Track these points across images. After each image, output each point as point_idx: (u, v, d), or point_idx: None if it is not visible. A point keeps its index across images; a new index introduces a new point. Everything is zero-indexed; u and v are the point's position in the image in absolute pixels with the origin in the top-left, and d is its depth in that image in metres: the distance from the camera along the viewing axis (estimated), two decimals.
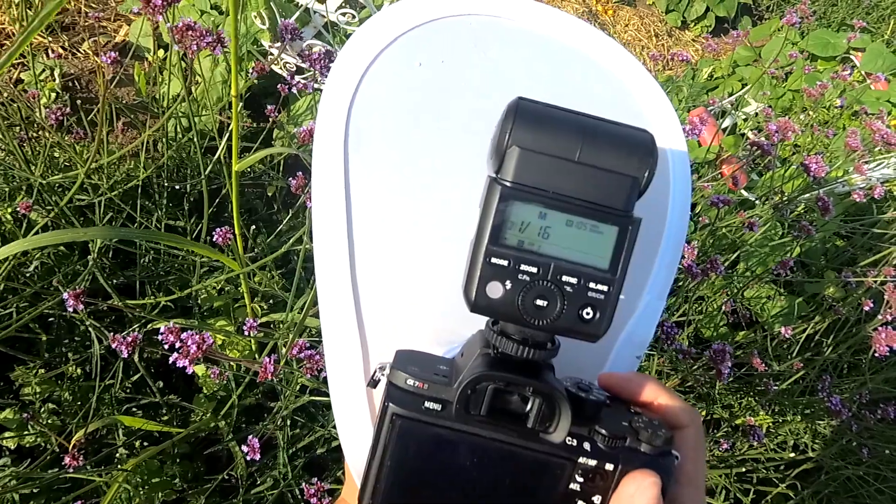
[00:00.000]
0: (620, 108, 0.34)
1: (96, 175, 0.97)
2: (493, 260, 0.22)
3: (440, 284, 0.32)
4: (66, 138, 0.96)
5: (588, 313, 0.22)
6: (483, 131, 0.30)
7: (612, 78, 0.34)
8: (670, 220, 0.35)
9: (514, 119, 0.23)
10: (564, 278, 0.22)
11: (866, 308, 0.91)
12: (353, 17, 1.15)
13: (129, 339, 0.63)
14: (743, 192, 1.38)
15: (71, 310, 0.60)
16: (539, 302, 0.22)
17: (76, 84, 1.45)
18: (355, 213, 0.31)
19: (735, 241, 1.20)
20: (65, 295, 0.60)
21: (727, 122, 1.59)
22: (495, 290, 0.22)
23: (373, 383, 0.28)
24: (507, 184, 0.23)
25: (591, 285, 0.22)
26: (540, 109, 0.23)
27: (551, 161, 0.23)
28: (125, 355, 0.62)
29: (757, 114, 1.65)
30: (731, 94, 1.72)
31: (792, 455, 1.06)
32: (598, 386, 0.28)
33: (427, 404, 0.23)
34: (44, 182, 0.84)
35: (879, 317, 0.82)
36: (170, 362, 0.54)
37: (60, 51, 1.47)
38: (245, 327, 0.66)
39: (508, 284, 0.22)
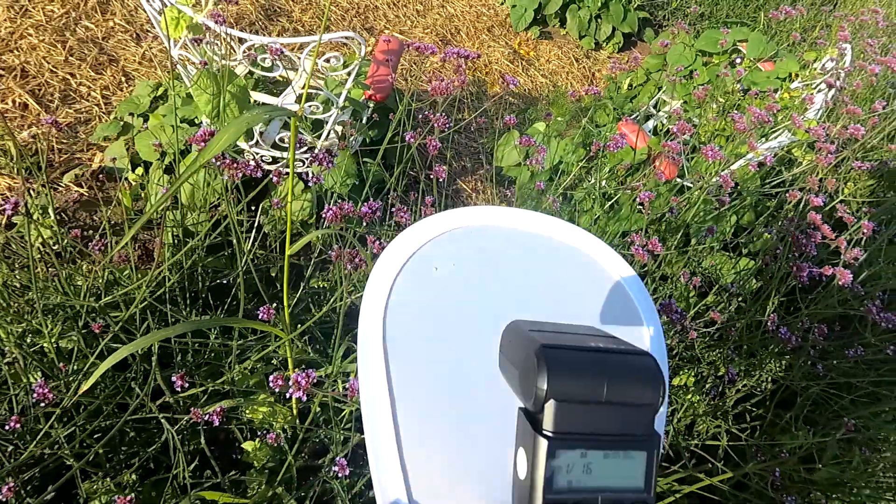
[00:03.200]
0: (587, 271, 0.46)
1: (117, 290, 1.18)
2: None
3: (476, 462, 0.38)
4: (84, 265, 1.17)
5: None
6: (490, 321, 0.39)
7: (585, 257, 0.46)
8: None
9: (548, 373, 0.27)
10: None
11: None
12: (318, 107, 1.43)
13: (217, 409, 0.84)
14: (678, 179, 1.70)
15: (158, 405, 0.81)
16: None
17: (63, 216, 1.66)
18: (398, 405, 0.38)
19: (680, 223, 1.50)
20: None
21: (651, 124, 1.93)
22: None
23: None
24: (551, 435, 0.27)
25: None
26: (566, 357, 0.28)
27: (584, 407, 0.27)
28: (216, 423, 0.83)
29: (677, 110, 2.00)
30: (650, 99, 2.07)
31: (771, 386, 1.33)
32: None
33: None
34: (97, 305, 1.05)
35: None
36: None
37: (40, 188, 1.68)
38: (289, 392, 0.83)
39: None
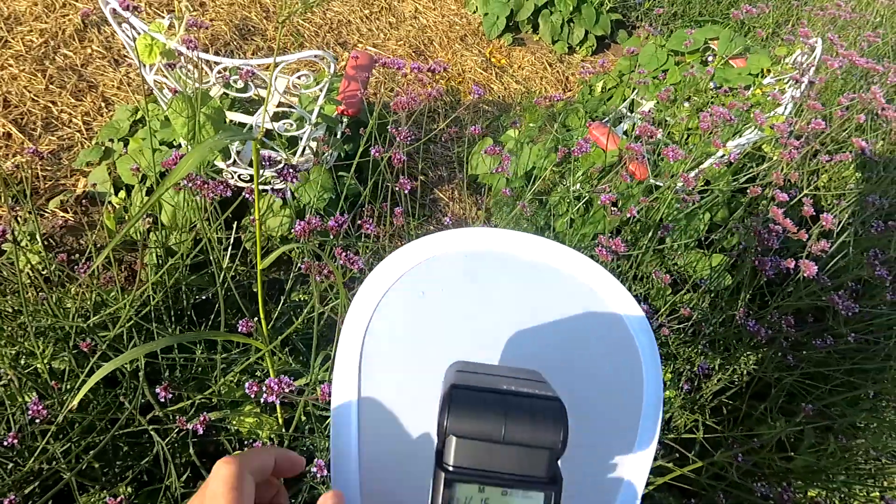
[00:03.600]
0: (586, 301, 0.44)
1: (104, 311, 1.23)
2: None
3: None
4: (73, 288, 1.21)
5: None
6: (466, 350, 0.41)
7: (574, 280, 0.44)
8: (642, 430, 0.42)
9: (449, 411, 0.29)
10: None
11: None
12: (291, 125, 1.47)
13: (201, 419, 0.88)
14: (651, 180, 1.75)
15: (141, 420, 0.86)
16: None
17: (50, 241, 1.71)
18: (363, 424, 0.41)
19: (651, 223, 1.54)
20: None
21: (625, 125, 1.98)
22: None
23: None
24: (450, 468, 0.29)
25: None
26: (470, 397, 0.30)
27: (482, 445, 0.29)
28: (201, 432, 0.88)
29: (650, 111, 2.05)
30: (623, 101, 2.12)
31: (746, 379, 1.37)
32: None
33: None
34: (85, 326, 1.10)
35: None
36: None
37: (27, 215, 1.73)
38: (263, 397, 0.88)
39: None
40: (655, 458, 1.20)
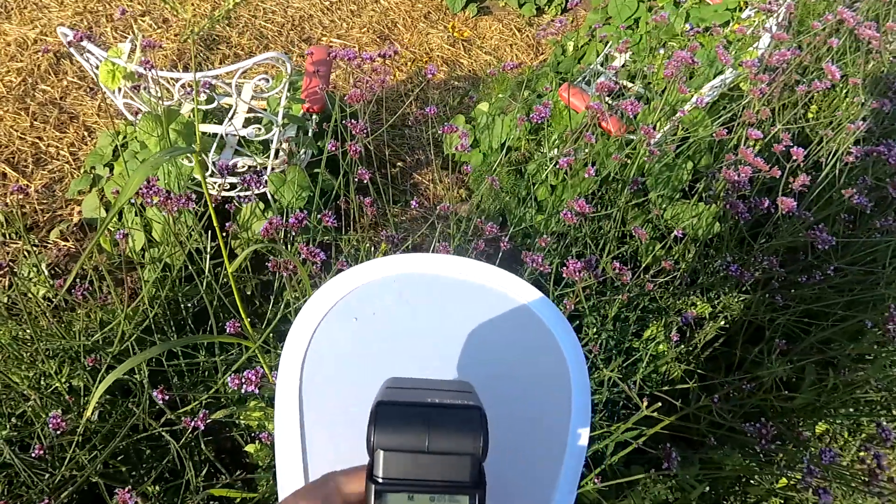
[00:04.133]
0: (509, 312, 0.47)
1: (102, 329, 1.29)
2: None
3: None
4: (80, 311, 1.28)
5: None
6: (403, 371, 0.41)
7: (497, 293, 0.47)
8: (573, 424, 0.44)
9: (375, 426, 0.32)
10: None
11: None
12: (259, 129, 1.51)
13: (201, 415, 0.94)
14: (628, 135, 1.74)
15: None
16: None
17: (56, 270, 1.79)
18: (310, 454, 0.42)
19: (626, 179, 1.54)
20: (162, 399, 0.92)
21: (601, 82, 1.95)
22: None
23: None
24: (379, 480, 0.31)
25: None
26: (394, 412, 0.32)
27: (408, 455, 0.32)
28: (202, 428, 0.94)
29: (625, 64, 2.03)
30: (598, 56, 2.10)
31: (738, 324, 1.38)
32: None
33: None
34: (90, 344, 1.16)
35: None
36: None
37: (30, 248, 1.81)
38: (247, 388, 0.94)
39: None
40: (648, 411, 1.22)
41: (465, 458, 0.32)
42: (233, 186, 1.68)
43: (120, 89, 1.38)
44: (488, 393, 0.38)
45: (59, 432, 0.96)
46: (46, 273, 1.71)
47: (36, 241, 1.78)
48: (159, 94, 1.50)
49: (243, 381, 0.90)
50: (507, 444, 0.41)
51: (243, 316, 1.00)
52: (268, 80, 1.39)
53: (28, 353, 1.27)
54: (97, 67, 1.42)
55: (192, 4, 2.31)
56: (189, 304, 1.46)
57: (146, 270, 1.63)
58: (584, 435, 0.43)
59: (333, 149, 1.14)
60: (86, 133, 1.94)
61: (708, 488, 1.34)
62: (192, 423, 1.02)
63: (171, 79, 1.32)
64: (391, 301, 0.47)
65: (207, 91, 1.39)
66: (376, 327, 0.46)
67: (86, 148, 1.92)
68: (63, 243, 1.81)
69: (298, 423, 0.43)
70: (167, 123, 1.38)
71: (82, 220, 1.90)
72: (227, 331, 1.04)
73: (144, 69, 1.22)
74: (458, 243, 1.39)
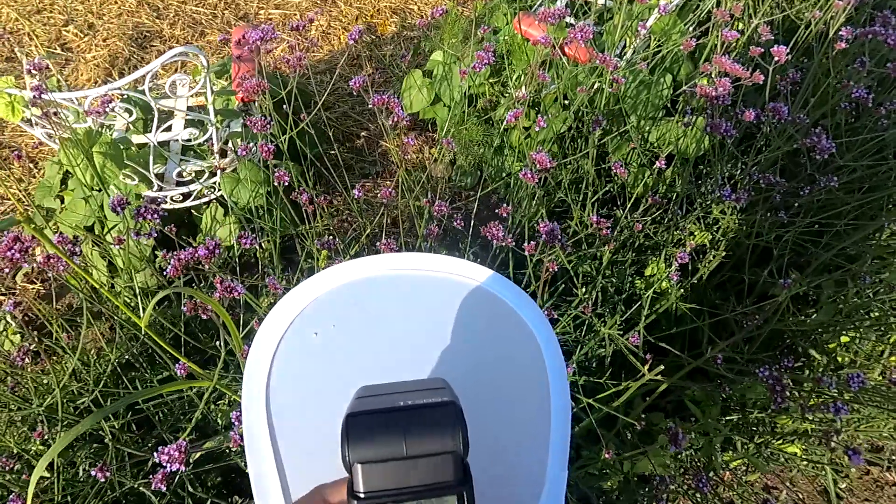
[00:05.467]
0: (475, 300, 0.45)
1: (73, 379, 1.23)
2: None
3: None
4: (38, 365, 1.22)
5: None
6: (373, 371, 0.41)
7: (460, 283, 0.46)
8: (554, 396, 0.42)
9: (348, 440, 0.30)
10: None
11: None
12: (194, 133, 1.39)
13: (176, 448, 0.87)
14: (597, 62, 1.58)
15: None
16: None
17: (28, 316, 1.73)
18: (289, 478, 0.41)
19: (613, 101, 1.40)
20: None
21: (560, 4, 1.78)
22: None
23: None
24: (362, 495, 0.30)
25: None
26: (366, 422, 0.31)
27: (387, 465, 0.30)
28: (176, 467, 0.87)
29: None
30: None
31: (747, 241, 1.26)
32: None
33: None
34: (41, 409, 1.10)
35: None
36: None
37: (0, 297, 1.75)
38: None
39: None
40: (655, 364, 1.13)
41: (447, 458, 0.30)
42: (186, 196, 1.58)
43: (26, 119, 1.27)
44: (463, 384, 0.37)
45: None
46: (15, 326, 1.65)
47: (2, 289, 1.71)
48: (71, 119, 1.39)
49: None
50: (489, 434, 0.40)
51: (182, 359, 0.92)
52: (184, 81, 1.26)
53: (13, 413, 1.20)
54: None
55: (116, 3, 2.15)
56: (167, 329, 1.39)
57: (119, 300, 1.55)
58: (566, 406, 0.42)
59: (255, 128, 1.01)
60: (31, 166, 1.84)
61: (734, 425, 1.25)
62: (173, 468, 0.93)
63: (76, 98, 1.21)
64: (348, 309, 0.45)
65: (121, 106, 1.27)
66: (338, 339, 0.44)
67: (35, 181, 1.82)
68: (30, 286, 1.74)
69: (272, 454, 0.41)
70: (88, 147, 1.28)
71: (47, 255, 1.82)
72: (178, 373, 0.96)
73: (39, 94, 1.10)
74: (426, 212, 1.28)
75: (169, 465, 0.83)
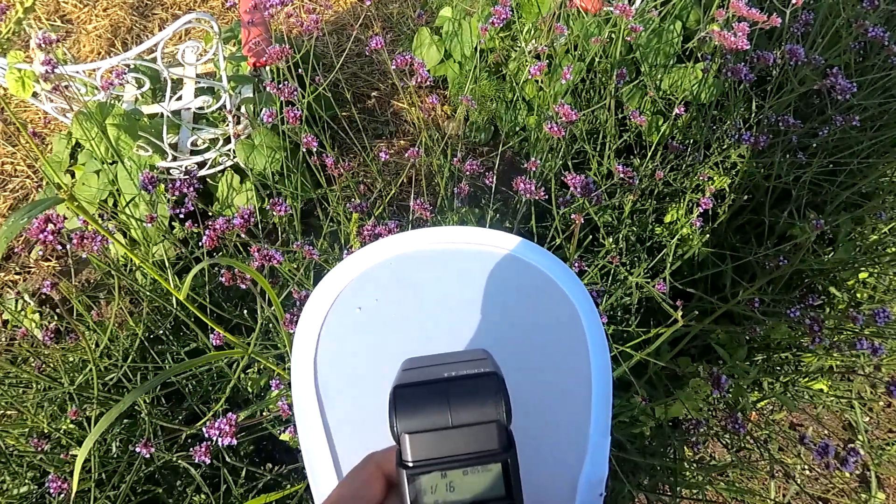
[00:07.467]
0: (515, 272, 0.46)
1: (115, 345, 1.24)
2: None
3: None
4: (59, 343, 1.22)
5: None
6: (417, 344, 0.43)
7: (500, 255, 0.46)
8: (594, 363, 0.43)
9: (396, 412, 0.32)
10: None
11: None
12: (207, 100, 1.38)
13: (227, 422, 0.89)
14: (606, 10, 1.56)
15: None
16: None
17: (45, 294, 1.74)
18: (338, 451, 0.42)
19: (614, 59, 1.39)
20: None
21: None
22: None
23: None
24: (410, 464, 0.31)
25: None
26: (412, 394, 0.32)
27: (434, 434, 0.31)
28: (227, 441, 0.89)
29: None
30: None
31: (766, 183, 1.27)
32: None
33: None
34: (73, 387, 1.12)
35: None
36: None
37: (15, 277, 1.76)
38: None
39: None
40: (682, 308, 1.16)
41: (491, 426, 0.32)
42: (201, 165, 1.57)
43: (36, 94, 1.25)
44: (503, 352, 0.38)
45: (62, 495, 0.91)
46: (33, 305, 1.65)
47: (17, 268, 1.72)
48: (83, 91, 1.37)
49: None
50: (531, 402, 0.41)
51: (220, 330, 0.93)
52: (196, 47, 1.25)
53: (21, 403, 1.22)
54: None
55: None
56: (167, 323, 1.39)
57: (138, 273, 1.56)
58: (606, 369, 0.43)
59: (273, 91, 1.01)
60: (38, 141, 1.82)
61: (759, 365, 1.29)
62: (223, 442, 0.95)
63: (86, 70, 1.19)
64: (389, 284, 0.46)
65: (132, 77, 1.26)
66: (382, 313, 0.45)
67: (42, 158, 1.81)
68: (45, 264, 1.74)
69: (323, 428, 0.42)
70: (101, 119, 1.26)
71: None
72: (213, 342, 0.97)
73: (51, 67, 1.09)
74: (447, 172, 1.28)
75: (221, 439, 0.86)
